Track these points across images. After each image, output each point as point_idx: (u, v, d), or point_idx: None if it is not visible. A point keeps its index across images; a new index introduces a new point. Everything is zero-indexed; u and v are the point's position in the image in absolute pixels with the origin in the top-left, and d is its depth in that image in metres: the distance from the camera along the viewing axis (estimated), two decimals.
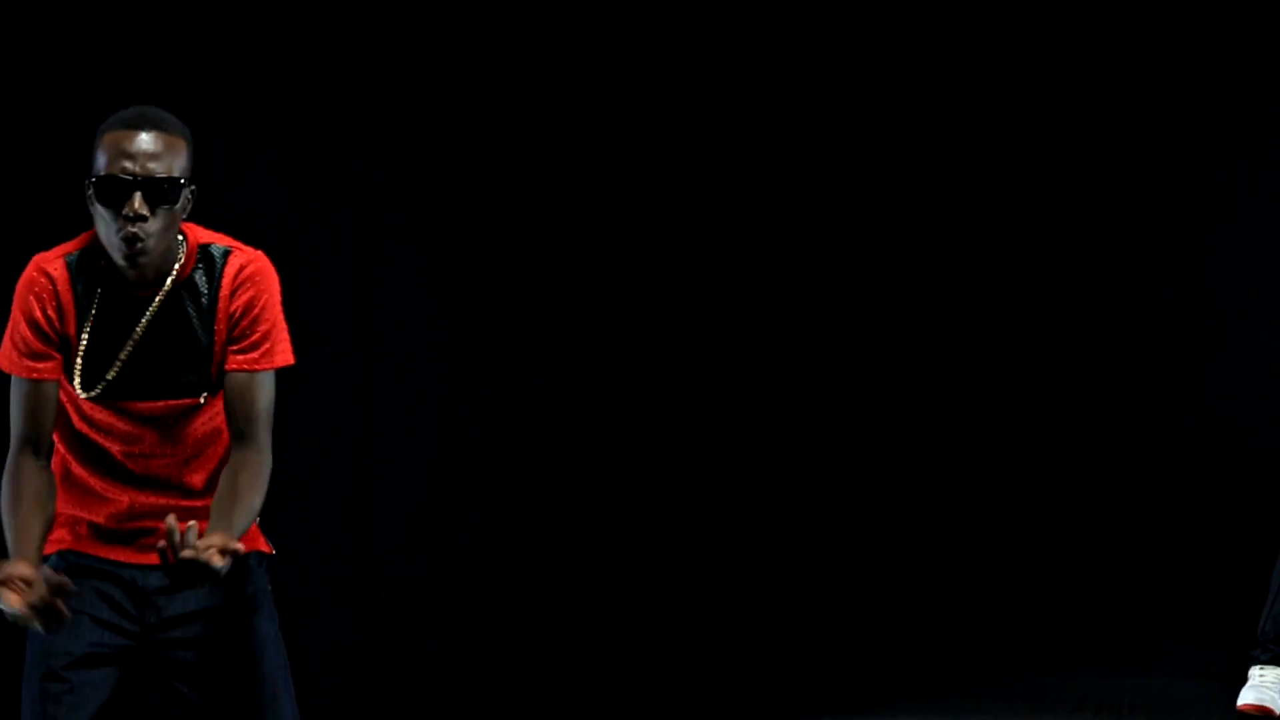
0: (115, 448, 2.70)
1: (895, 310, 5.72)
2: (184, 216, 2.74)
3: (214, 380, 2.70)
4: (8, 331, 2.70)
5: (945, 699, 4.86)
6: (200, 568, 2.45)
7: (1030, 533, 5.67)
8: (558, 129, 5.59)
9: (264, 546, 2.90)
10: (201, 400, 2.74)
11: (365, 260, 5.47)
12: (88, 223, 2.68)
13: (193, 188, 2.73)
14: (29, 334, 2.67)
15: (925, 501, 5.74)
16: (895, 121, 5.66)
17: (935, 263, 5.67)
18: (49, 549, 2.69)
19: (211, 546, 2.45)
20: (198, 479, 2.78)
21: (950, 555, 5.70)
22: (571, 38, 5.59)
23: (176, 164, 2.67)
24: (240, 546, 2.50)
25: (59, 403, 2.69)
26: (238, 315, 2.71)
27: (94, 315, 2.69)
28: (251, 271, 2.74)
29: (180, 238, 2.74)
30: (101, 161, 2.62)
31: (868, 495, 5.77)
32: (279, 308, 2.77)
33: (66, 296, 2.69)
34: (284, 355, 2.77)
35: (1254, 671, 4.50)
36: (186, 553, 2.44)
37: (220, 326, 2.73)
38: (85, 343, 2.69)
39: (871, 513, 5.75)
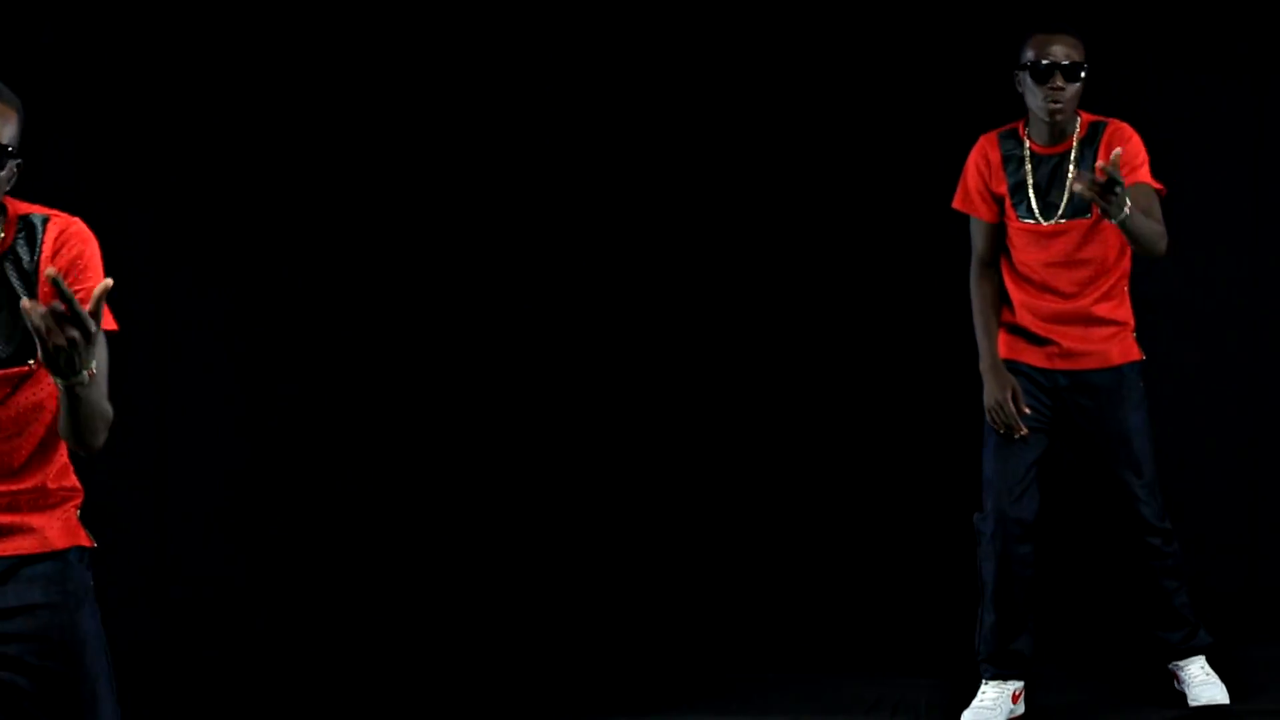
0: None
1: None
2: (7, 189, 2.69)
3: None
4: None
5: (743, 700, 4.83)
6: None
7: (820, 533, 5.69)
8: (353, 116, 5.56)
9: (85, 540, 2.83)
10: (30, 366, 2.71)
11: (162, 257, 5.36)
12: None
13: (19, 160, 2.66)
14: None
15: (718, 499, 5.73)
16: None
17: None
18: None
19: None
20: (18, 458, 2.72)
21: (745, 555, 5.69)
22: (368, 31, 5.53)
23: (5, 132, 2.64)
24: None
25: None
26: (63, 275, 2.63)
27: None
28: (73, 232, 2.76)
29: (0, 208, 2.70)
30: None
31: (661, 492, 5.75)
32: (102, 269, 2.77)
33: None
34: (109, 320, 2.74)
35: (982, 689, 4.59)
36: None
37: (45, 289, 2.69)
38: None
39: (664, 510, 5.73)
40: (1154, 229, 4.21)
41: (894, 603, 5.59)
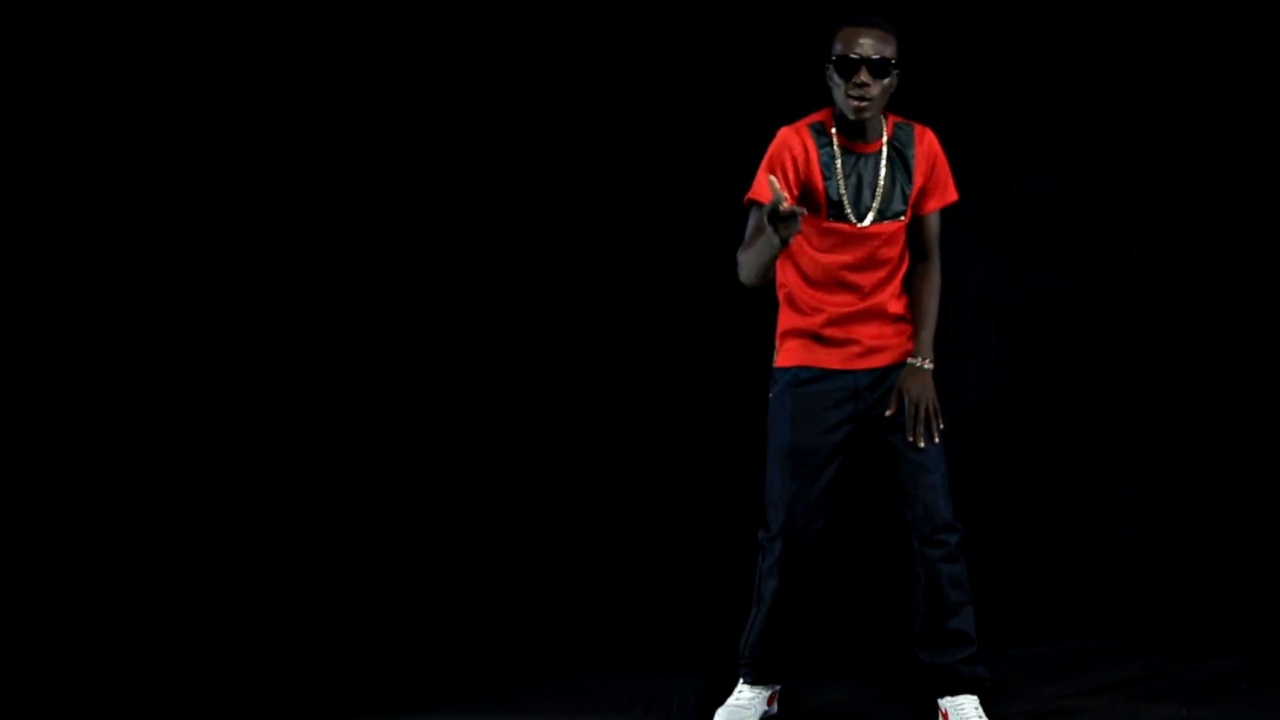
0: None
1: None
2: None
3: None
4: None
5: (497, 699, 4.75)
6: None
7: (570, 528, 5.66)
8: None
9: None
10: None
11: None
12: None
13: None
14: None
15: (474, 497, 5.66)
16: None
17: None
18: None
19: None
20: None
21: (500, 553, 5.63)
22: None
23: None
24: None
25: None
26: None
27: None
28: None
29: None
30: None
31: (419, 490, 5.67)
32: None
33: None
34: None
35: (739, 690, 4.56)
36: None
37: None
38: None
39: (421, 507, 5.65)
40: (934, 308, 4.38)
41: (647, 601, 5.57)
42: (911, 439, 4.27)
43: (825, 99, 4.33)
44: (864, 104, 4.18)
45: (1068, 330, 5.59)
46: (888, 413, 4.30)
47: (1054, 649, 5.14)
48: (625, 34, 5.63)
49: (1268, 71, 5.52)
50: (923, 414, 4.29)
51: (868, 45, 4.17)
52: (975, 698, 4.44)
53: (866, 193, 4.28)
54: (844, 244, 4.31)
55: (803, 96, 4.54)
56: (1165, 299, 5.61)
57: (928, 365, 4.32)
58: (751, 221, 4.23)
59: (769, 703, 4.58)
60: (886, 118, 4.33)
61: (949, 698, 4.43)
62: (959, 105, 5.48)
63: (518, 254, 5.70)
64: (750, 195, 4.25)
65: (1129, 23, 5.55)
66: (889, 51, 4.19)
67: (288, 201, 5.55)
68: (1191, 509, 5.61)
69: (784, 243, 3.95)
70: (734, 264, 4.23)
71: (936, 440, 4.29)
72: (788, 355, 4.41)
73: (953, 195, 4.40)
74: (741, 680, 4.57)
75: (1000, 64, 5.56)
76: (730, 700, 4.56)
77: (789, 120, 4.34)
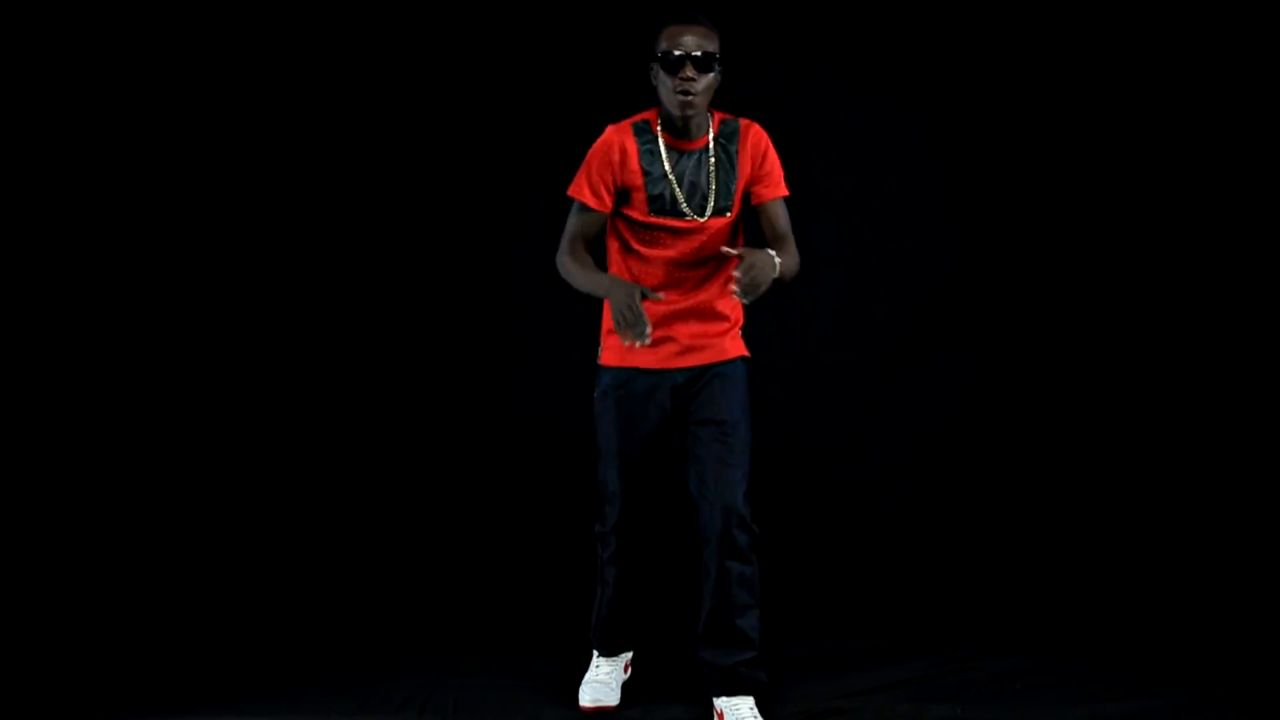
0: None
1: None
2: None
3: None
4: None
5: (272, 698, 4.67)
6: None
7: (347, 527, 5.62)
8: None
9: None
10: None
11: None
12: None
13: None
14: None
15: (246, 493, 5.61)
16: None
17: None
18: None
19: None
20: None
21: (271, 553, 5.58)
22: None
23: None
24: None
25: None
26: None
27: None
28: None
29: None
30: None
31: (187, 489, 5.62)
32: None
33: None
34: None
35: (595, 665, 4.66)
36: None
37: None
38: None
39: (189, 504, 5.61)
40: (795, 263, 4.24)
41: (424, 600, 5.53)
42: (734, 288, 4.04)
43: (652, 99, 4.32)
44: (689, 100, 4.19)
45: (845, 330, 5.61)
46: (733, 250, 4.12)
47: (830, 649, 5.14)
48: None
49: (1035, 73, 5.58)
50: (752, 277, 4.02)
51: (691, 42, 4.18)
52: (751, 699, 4.43)
53: (689, 189, 4.29)
54: (667, 240, 4.32)
55: (629, 96, 4.60)
56: (941, 299, 5.64)
57: (775, 259, 4.11)
58: (571, 219, 4.30)
59: (625, 669, 4.73)
60: (713, 114, 4.34)
61: (725, 698, 4.43)
62: (736, 104, 5.46)
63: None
64: (570, 191, 4.32)
65: (900, 23, 5.57)
66: (712, 48, 4.21)
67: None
68: (968, 510, 5.65)
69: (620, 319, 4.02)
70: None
71: (744, 292, 4.06)
72: (609, 354, 4.43)
73: (781, 189, 4.38)
74: (596, 654, 4.69)
75: (775, 62, 5.57)
76: (589, 675, 4.66)
77: (612, 119, 4.35)
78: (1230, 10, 5.49)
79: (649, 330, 4.02)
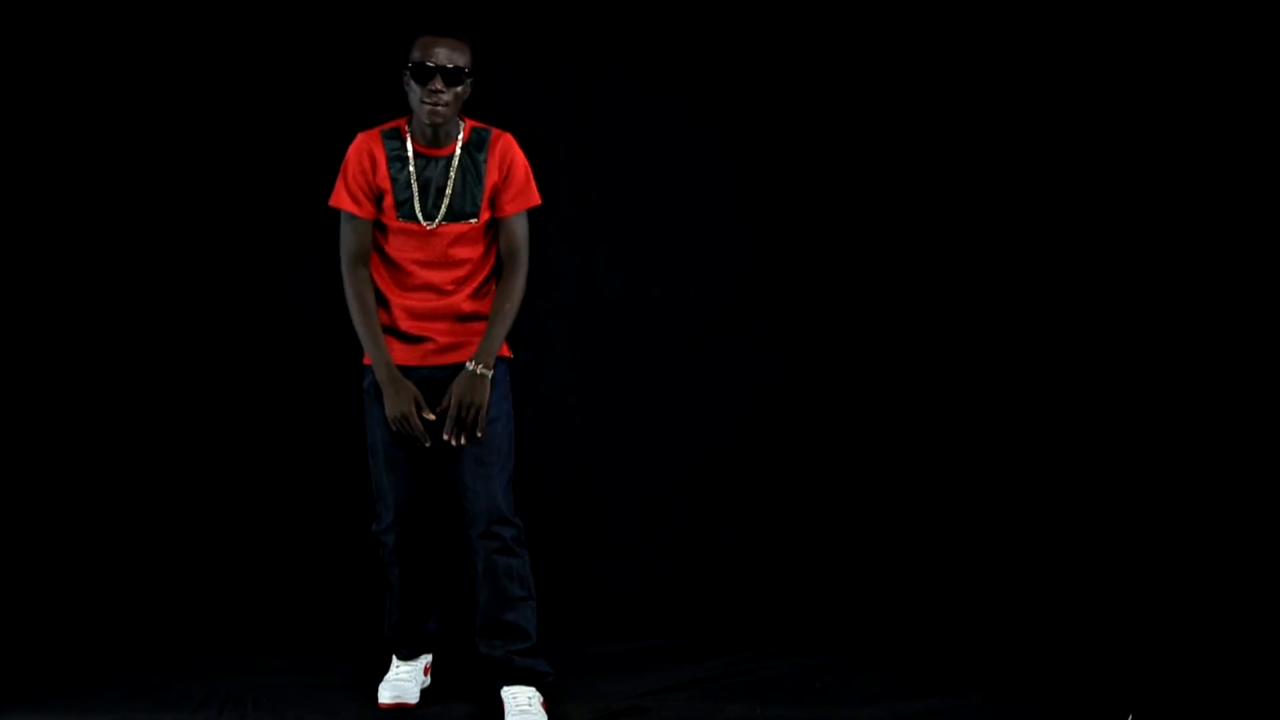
0: None
1: None
2: None
3: None
4: None
5: (69, 697, 4.63)
6: None
7: (143, 524, 5.56)
8: None
9: None
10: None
11: None
12: None
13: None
14: None
15: (38, 490, 5.55)
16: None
17: None
18: None
19: None
20: None
21: (68, 550, 5.53)
22: None
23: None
24: None
25: None
26: None
27: None
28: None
29: None
30: None
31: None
32: None
33: None
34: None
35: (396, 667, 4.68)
36: None
37: None
38: None
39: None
40: (508, 317, 4.41)
41: (222, 599, 5.50)
42: (447, 436, 4.36)
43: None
44: (438, 110, 4.31)
45: (642, 329, 5.64)
46: (435, 411, 4.38)
47: (627, 647, 5.16)
48: (214, 36, 5.52)
49: (828, 72, 5.65)
50: (465, 416, 4.35)
51: (442, 54, 4.31)
52: (533, 689, 4.50)
53: (435, 195, 4.40)
54: (416, 243, 4.42)
55: (390, 100, 4.65)
56: (738, 299, 5.67)
57: (481, 371, 4.37)
58: (342, 229, 4.43)
59: (425, 673, 4.74)
60: (464, 123, 4.46)
61: (507, 687, 4.51)
62: (534, 103, 5.50)
63: (121, 252, 5.58)
64: (332, 202, 4.45)
65: (695, 22, 5.61)
66: (463, 60, 4.34)
67: None
68: (764, 508, 5.70)
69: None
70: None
71: (464, 442, 4.35)
72: (365, 340, 4.46)
73: (534, 199, 4.50)
74: (395, 658, 4.72)
75: (573, 60, 5.58)
76: (389, 676, 4.68)
77: (372, 123, 4.47)
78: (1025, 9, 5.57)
79: (426, 443, 4.33)
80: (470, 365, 4.37)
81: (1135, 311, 5.63)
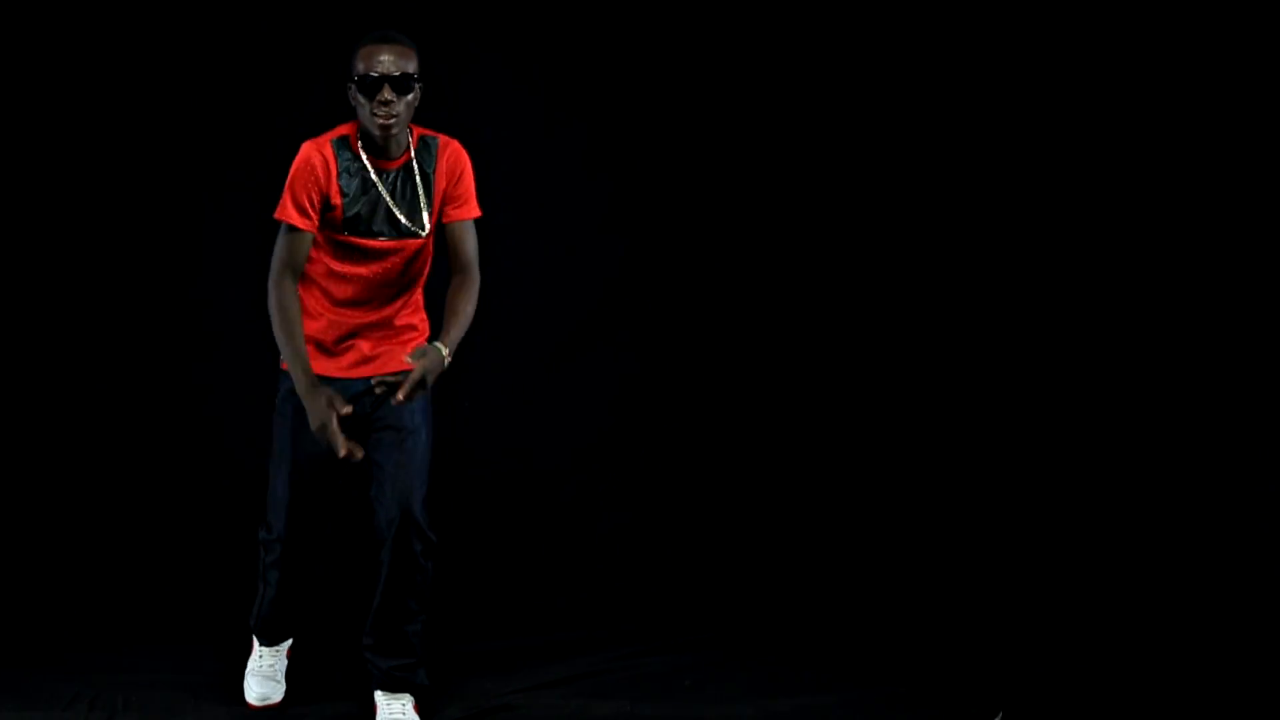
0: None
1: None
2: None
3: None
4: None
5: None
6: None
7: (11, 521, 5.52)
8: None
9: None
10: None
11: None
12: None
13: None
14: None
15: None
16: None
17: None
18: None
19: None
20: None
21: None
22: None
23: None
24: None
25: None
26: None
27: None
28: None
29: None
30: None
31: None
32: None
33: None
34: None
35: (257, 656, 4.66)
36: None
37: None
38: None
39: None
40: (469, 314, 4.27)
41: (92, 598, 5.44)
42: (400, 396, 4.11)
43: (350, 111, 4.28)
44: (390, 121, 4.14)
45: (511, 329, 5.64)
46: (398, 396, 4.14)
47: (498, 645, 5.16)
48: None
49: (696, 79, 5.67)
50: (420, 381, 4.13)
51: (388, 61, 4.13)
52: (409, 696, 4.47)
53: (388, 209, 4.24)
54: (362, 259, 4.27)
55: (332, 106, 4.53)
56: (609, 295, 5.70)
57: (446, 354, 4.18)
58: (281, 241, 4.20)
59: (286, 656, 4.73)
60: (413, 131, 4.30)
61: (382, 693, 4.46)
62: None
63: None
64: (277, 214, 4.22)
65: (563, 23, 5.63)
66: (411, 67, 4.17)
67: None
68: (633, 507, 5.72)
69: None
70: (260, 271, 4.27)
71: (413, 398, 4.15)
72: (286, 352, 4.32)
73: (477, 209, 4.37)
74: (257, 644, 4.68)
75: (443, 61, 5.57)
76: (252, 665, 4.67)
77: (314, 131, 4.30)
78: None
79: (342, 454, 4.07)
80: (443, 350, 4.16)
81: (993, 315, 5.67)
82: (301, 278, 4.29)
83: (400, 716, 4.42)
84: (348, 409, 4.09)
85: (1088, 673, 4.92)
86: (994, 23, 5.60)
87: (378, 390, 4.20)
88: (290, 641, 4.75)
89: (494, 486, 5.66)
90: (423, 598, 4.36)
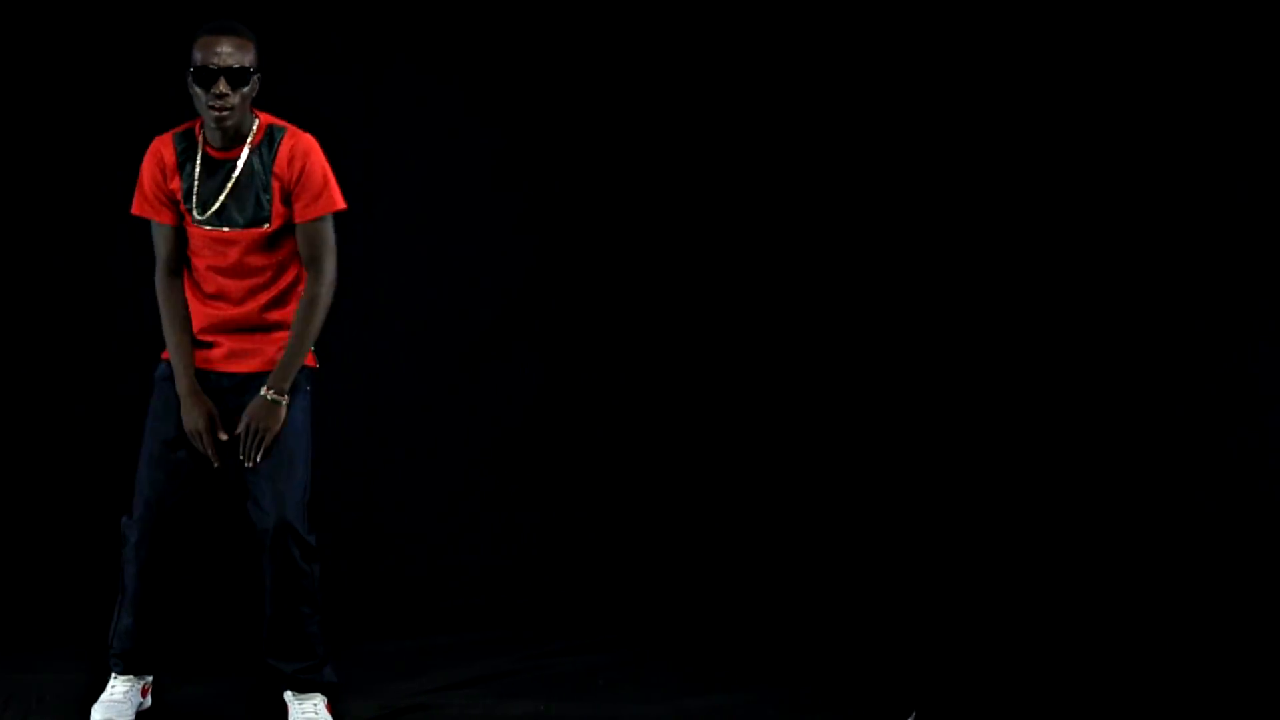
0: None
1: None
2: None
3: None
4: None
5: None
6: None
7: None
8: None
9: None
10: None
11: None
12: None
13: None
14: None
15: None
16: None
17: None
18: None
19: None
20: None
21: None
22: None
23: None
24: None
25: None
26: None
27: None
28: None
29: None
30: None
31: None
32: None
33: None
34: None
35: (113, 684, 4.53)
36: None
37: None
38: None
39: None
40: (308, 335, 4.29)
41: (21, 594, 5.48)
42: (242, 457, 4.26)
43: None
44: (224, 113, 4.19)
45: (424, 328, 5.65)
46: (232, 434, 4.27)
47: (412, 644, 5.17)
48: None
49: (609, 81, 5.69)
50: (255, 440, 4.24)
51: (225, 54, 4.16)
52: (320, 695, 4.47)
53: (224, 199, 4.27)
54: (211, 249, 4.31)
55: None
56: (521, 297, 5.71)
57: (273, 398, 4.25)
58: (153, 236, 4.34)
59: (143, 694, 4.56)
60: (259, 120, 4.32)
61: (293, 694, 4.48)
62: (317, 103, 5.46)
63: None
64: (134, 210, 4.35)
65: (483, 26, 5.64)
66: (248, 59, 4.19)
67: None
68: (547, 506, 5.73)
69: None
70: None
71: (258, 460, 4.25)
72: (168, 349, 4.41)
73: (335, 204, 4.34)
74: (113, 673, 4.53)
75: (358, 58, 5.58)
76: (104, 695, 4.52)
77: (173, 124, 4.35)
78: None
79: (216, 463, 4.25)
80: (264, 392, 4.25)
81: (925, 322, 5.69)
82: (188, 272, 4.37)
83: (314, 715, 4.43)
84: (224, 436, 4.26)
85: (1001, 673, 4.94)
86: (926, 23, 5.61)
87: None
88: (149, 679, 4.56)
89: (406, 486, 5.67)
90: (312, 600, 4.37)
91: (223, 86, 4.15)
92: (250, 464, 4.26)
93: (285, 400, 4.28)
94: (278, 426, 4.26)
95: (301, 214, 4.31)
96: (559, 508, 5.72)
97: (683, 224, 5.73)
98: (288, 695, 4.48)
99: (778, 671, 4.96)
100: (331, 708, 4.48)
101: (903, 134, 5.64)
